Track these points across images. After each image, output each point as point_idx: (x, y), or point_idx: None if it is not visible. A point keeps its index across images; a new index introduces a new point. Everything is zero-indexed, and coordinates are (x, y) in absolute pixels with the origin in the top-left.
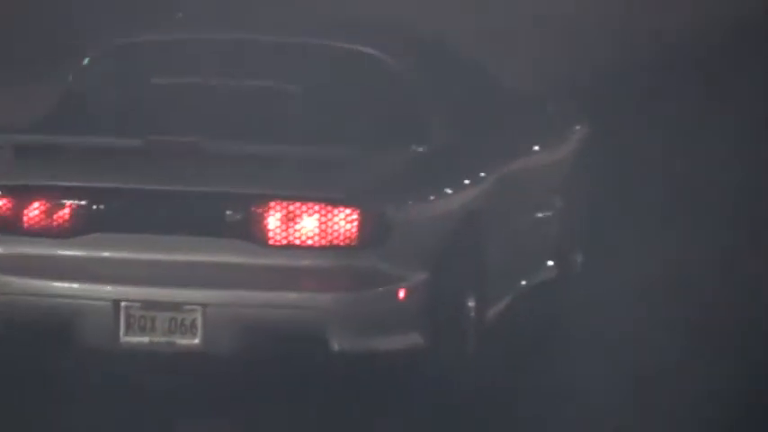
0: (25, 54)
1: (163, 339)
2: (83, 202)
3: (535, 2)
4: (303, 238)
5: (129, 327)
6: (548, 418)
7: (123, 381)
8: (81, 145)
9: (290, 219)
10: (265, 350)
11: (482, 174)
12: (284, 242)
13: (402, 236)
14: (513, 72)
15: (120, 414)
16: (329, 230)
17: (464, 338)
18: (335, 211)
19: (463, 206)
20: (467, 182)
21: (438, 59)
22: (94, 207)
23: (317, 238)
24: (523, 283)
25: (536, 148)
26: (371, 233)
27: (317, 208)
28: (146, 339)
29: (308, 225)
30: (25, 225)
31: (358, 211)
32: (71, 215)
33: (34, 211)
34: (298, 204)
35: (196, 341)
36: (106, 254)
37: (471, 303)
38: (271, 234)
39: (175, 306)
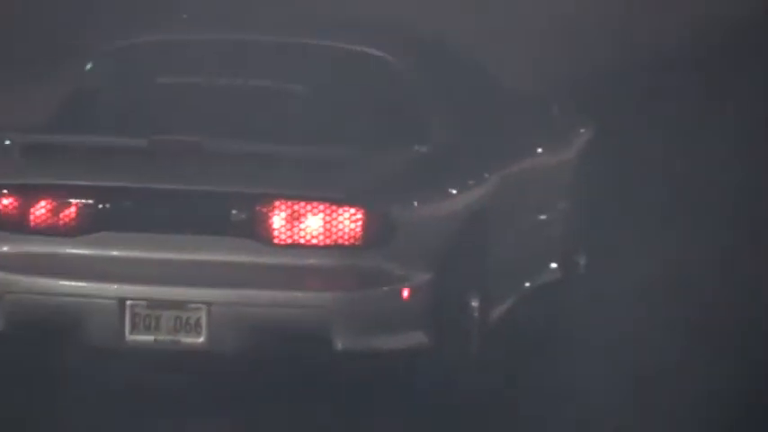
0: (25, 54)
1: (168, 338)
2: (88, 202)
3: (537, 2)
4: (308, 237)
5: (134, 325)
6: (549, 418)
7: (128, 379)
8: (87, 145)
9: (294, 218)
10: (269, 349)
11: (485, 175)
12: (289, 241)
13: (406, 236)
14: (518, 73)
15: (125, 412)
16: (334, 230)
17: (467, 339)
18: (340, 211)
19: (467, 206)
20: (470, 182)
21: (440, 60)
22: (100, 206)
23: (321, 238)
24: (527, 284)
25: (539, 150)
26: (376, 233)
27: (321, 207)
28: (151, 338)
29: (312, 224)
30: (31, 224)
31: (362, 211)
32: (77, 214)
33: (40, 210)
34: (302, 204)
35: (201, 340)
36: (112, 253)
37: (475, 304)
38: (275, 233)
39: (180, 305)
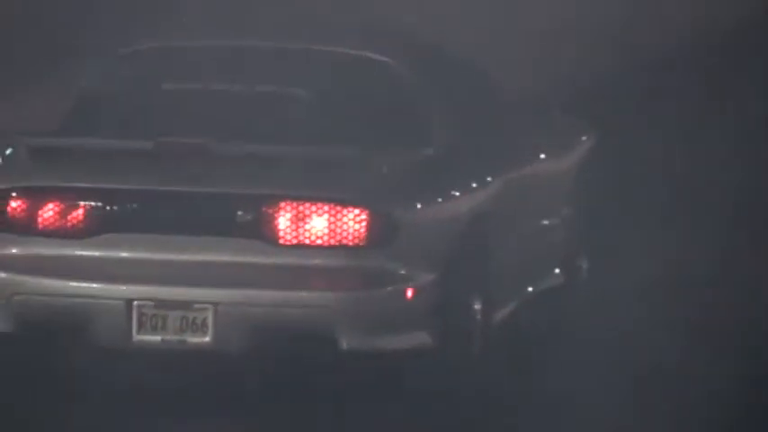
0: (25, 54)
1: (174, 338)
2: (96, 204)
3: (536, 3)
4: (313, 237)
5: (141, 325)
6: (550, 418)
7: (135, 379)
8: (93, 147)
9: (299, 219)
10: (275, 348)
11: (489, 178)
12: (294, 242)
13: (410, 236)
14: (518, 75)
15: (133, 411)
16: (338, 230)
17: (469, 341)
18: (345, 212)
19: (470, 209)
20: (474, 185)
21: (443, 64)
22: (107, 208)
23: (326, 238)
24: (530, 289)
25: (542, 156)
26: (380, 233)
27: (326, 208)
28: (158, 338)
29: (317, 225)
30: (39, 226)
31: (367, 212)
32: (84, 216)
33: (48, 212)
34: (307, 205)
35: (207, 339)
36: (119, 254)
37: (478, 306)
38: (281, 234)
39: (187, 305)
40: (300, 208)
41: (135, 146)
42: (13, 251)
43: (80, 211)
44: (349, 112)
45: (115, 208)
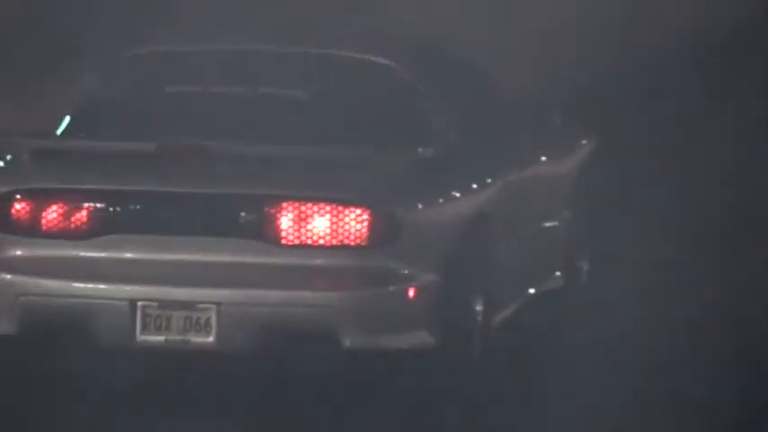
0: (25, 54)
1: (178, 338)
2: (99, 205)
3: (537, 3)
4: (315, 237)
5: (145, 326)
6: (550, 419)
7: (139, 379)
8: (96, 149)
9: (302, 219)
10: (278, 347)
11: (489, 179)
12: (296, 242)
13: (412, 236)
14: (519, 77)
15: (137, 411)
16: (340, 230)
17: (470, 341)
18: (347, 212)
19: (470, 210)
20: (474, 186)
21: (444, 67)
22: (110, 209)
23: (328, 238)
24: (531, 291)
25: (543, 158)
26: (382, 233)
27: (328, 208)
28: (161, 338)
29: (319, 225)
30: (43, 228)
31: (369, 212)
32: (87, 217)
33: (52, 213)
34: (310, 205)
35: (210, 339)
36: (122, 255)
37: (479, 307)
38: (283, 234)
39: (190, 305)
40: (303, 208)
41: (137, 147)
42: (18, 253)
43: (83, 213)
44: (351, 113)
45: (119, 209)
